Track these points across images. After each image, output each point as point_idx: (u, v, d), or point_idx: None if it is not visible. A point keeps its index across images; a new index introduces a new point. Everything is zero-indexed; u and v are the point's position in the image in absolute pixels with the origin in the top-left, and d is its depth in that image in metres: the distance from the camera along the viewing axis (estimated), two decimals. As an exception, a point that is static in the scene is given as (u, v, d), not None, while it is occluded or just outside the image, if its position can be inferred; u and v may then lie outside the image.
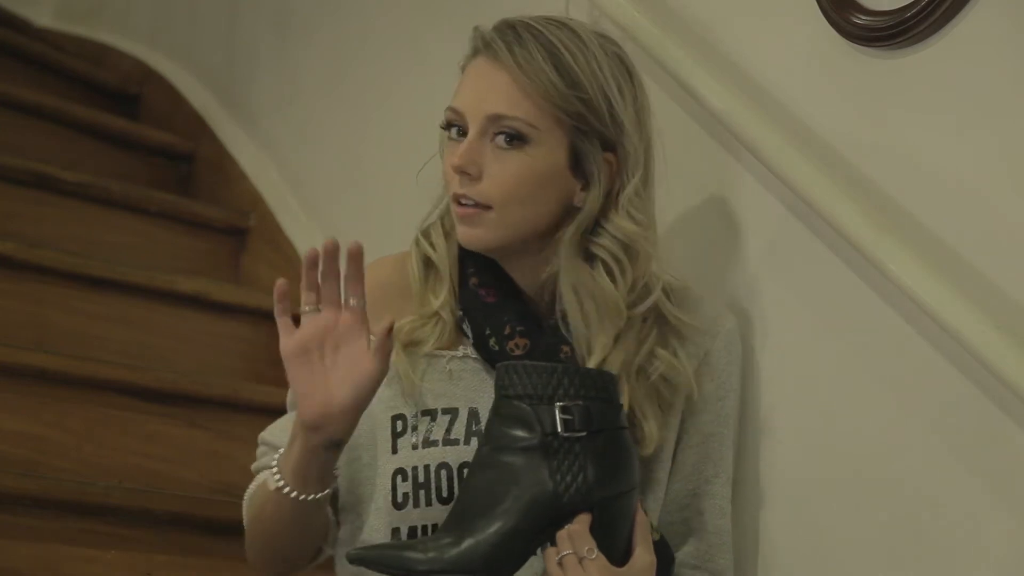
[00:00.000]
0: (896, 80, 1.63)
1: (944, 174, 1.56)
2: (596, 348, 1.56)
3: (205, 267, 2.87)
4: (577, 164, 1.57)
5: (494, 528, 1.41)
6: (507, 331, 1.58)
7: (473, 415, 1.59)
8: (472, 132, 1.56)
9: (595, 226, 1.58)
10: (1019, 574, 1.45)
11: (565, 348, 1.58)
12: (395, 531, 1.58)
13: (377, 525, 1.59)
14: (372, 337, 1.50)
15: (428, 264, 1.64)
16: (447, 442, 1.58)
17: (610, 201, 1.58)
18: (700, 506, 1.63)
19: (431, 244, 1.64)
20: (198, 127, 3.24)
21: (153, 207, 2.89)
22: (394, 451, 1.59)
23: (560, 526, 1.44)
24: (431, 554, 1.40)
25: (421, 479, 1.57)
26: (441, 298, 1.61)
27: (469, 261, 1.62)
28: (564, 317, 1.58)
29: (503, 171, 1.55)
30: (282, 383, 2.52)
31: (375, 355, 1.47)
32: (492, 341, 1.58)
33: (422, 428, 1.59)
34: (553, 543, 1.44)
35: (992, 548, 1.48)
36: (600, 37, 1.60)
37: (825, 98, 1.71)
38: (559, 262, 1.57)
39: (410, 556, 1.41)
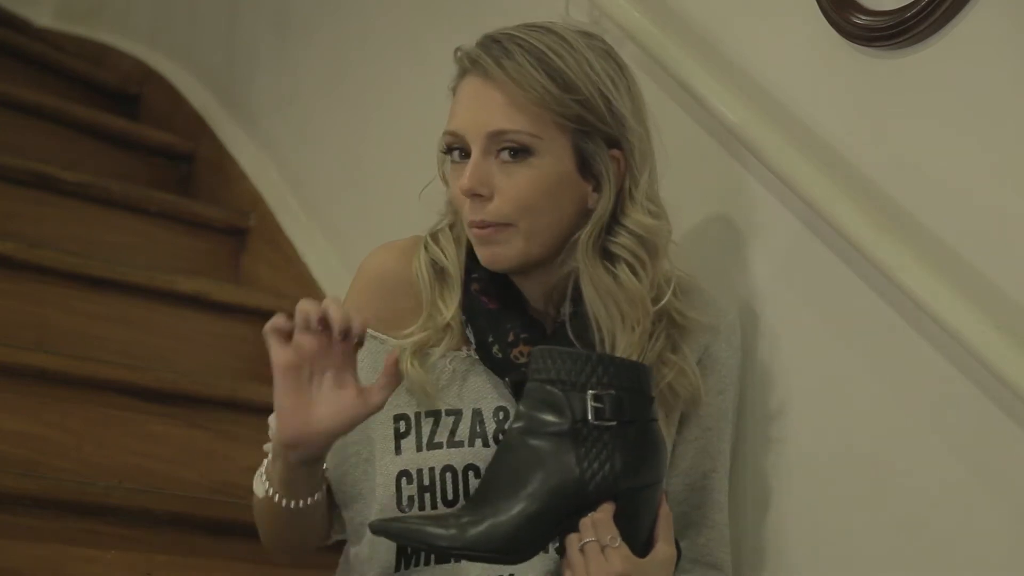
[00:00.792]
0: (896, 80, 1.63)
1: (944, 174, 1.56)
2: (620, 346, 1.55)
3: (205, 267, 2.87)
4: (585, 167, 1.56)
5: (516, 510, 1.42)
6: (511, 338, 1.57)
7: (477, 416, 1.59)
8: (475, 153, 1.54)
9: (612, 225, 1.57)
10: (1019, 574, 1.45)
11: None
12: None
13: None
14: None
15: (437, 269, 1.63)
16: (452, 444, 1.58)
17: (623, 198, 1.57)
18: (698, 500, 1.63)
19: (441, 249, 1.63)
20: (198, 127, 3.24)
21: (153, 207, 2.89)
22: (397, 452, 1.59)
23: (583, 514, 1.44)
24: (452, 531, 1.41)
25: (426, 482, 1.56)
26: (452, 309, 1.60)
27: (474, 267, 1.62)
28: (570, 320, 1.57)
29: (514, 186, 1.54)
30: (282, 383, 2.52)
31: (380, 391, 1.47)
32: (495, 348, 1.58)
33: (426, 429, 1.59)
34: (574, 531, 1.44)
35: (992, 548, 1.48)
36: (585, 36, 1.58)
37: (825, 98, 1.71)
38: (577, 265, 1.56)
39: (432, 531, 1.41)
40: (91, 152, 3.12)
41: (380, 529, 1.44)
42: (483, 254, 1.57)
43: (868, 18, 1.63)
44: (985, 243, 1.51)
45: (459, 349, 1.61)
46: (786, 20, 1.76)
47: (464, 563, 1.53)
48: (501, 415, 1.58)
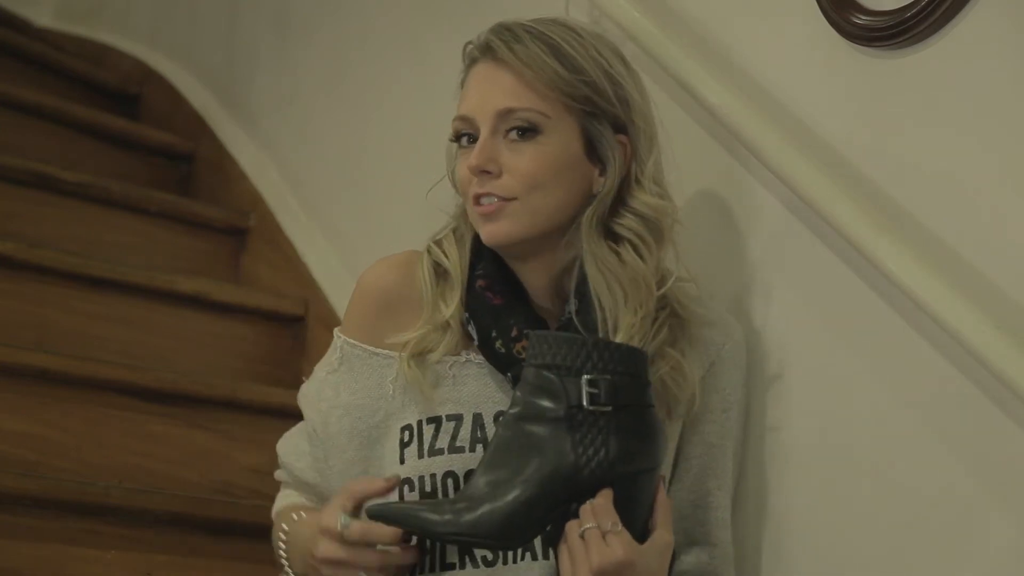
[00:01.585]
0: (896, 80, 1.63)
1: (944, 174, 1.56)
2: (622, 327, 1.54)
3: (205, 267, 2.87)
4: (592, 150, 1.57)
5: (511, 496, 1.42)
6: (514, 333, 1.57)
7: (477, 421, 1.58)
8: (484, 132, 1.56)
9: (617, 207, 1.58)
10: (1019, 574, 1.45)
11: None
12: None
13: None
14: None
15: (439, 271, 1.63)
16: (453, 450, 1.57)
17: (629, 182, 1.58)
18: (702, 517, 1.63)
19: (444, 252, 1.63)
20: (198, 127, 3.24)
21: (153, 207, 2.89)
22: (401, 461, 1.59)
23: (579, 500, 1.43)
24: (447, 516, 1.42)
25: (428, 488, 1.56)
26: (453, 306, 1.60)
27: (478, 264, 1.62)
28: (576, 313, 1.56)
29: (522, 163, 1.55)
30: (282, 383, 2.53)
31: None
32: (499, 343, 1.58)
33: (427, 435, 1.59)
34: (569, 517, 1.44)
35: (992, 548, 1.48)
36: (593, 35, 1.61)
37: (825, 98, 1.71)
38: (581, 246, 1.56)
39: (428, 517, 1.42)
40: (91, 152, 3.12)
41: (377, 513, 1.45)
42: (485, 230, 1.57)
43: (868, 18, 1.63)
44: (985, 243, 1.51)
45: (458, 353, 1.61)
46: (786, 20, 1.76)
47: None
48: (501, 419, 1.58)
